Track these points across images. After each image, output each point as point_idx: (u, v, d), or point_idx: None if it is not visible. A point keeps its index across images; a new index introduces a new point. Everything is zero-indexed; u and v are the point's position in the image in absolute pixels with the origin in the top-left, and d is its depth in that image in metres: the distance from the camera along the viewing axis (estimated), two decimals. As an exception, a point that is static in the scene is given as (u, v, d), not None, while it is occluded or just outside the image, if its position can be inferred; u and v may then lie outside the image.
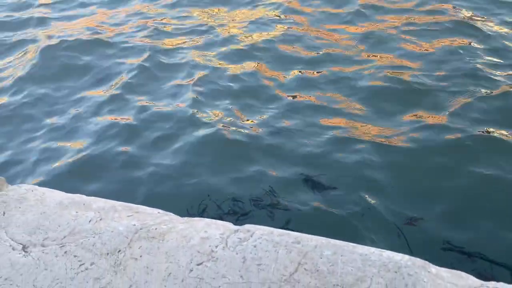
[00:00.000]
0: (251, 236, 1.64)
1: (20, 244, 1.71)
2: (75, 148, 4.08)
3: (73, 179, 3.68)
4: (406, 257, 1.50)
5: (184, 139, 4.04)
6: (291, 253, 1.54)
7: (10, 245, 1.71)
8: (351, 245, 1.56)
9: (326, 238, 1.61)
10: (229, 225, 1.73)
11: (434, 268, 1.47)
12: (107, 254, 1.62)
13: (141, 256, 1.59)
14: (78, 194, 1.97)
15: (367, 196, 3.34)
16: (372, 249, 1.54)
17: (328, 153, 3.77)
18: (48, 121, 4.50)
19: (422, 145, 3.77)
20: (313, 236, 1.63)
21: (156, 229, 1.71)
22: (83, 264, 1.59)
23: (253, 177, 3.58)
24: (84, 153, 3.96)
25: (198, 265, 1.54)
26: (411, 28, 5.55)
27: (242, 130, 4.09)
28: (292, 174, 3.58)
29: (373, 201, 3.30)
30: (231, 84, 4.81)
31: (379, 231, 3.08)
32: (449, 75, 4.60)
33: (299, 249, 1.55)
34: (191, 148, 3.91)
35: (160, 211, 1.88)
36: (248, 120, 4.27)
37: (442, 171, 3.51)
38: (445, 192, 3.33)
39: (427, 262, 1.50)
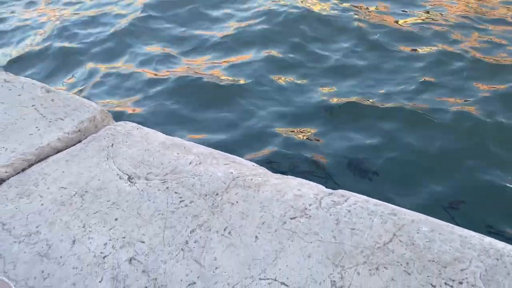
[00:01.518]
0: (345, 201, 1.65)
1: (126, 174, 1.85)
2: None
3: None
4: (509, 246, 1.44)
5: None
6: (386, 224, 1.53)
7: (117, 174, 1.85)
8: (450, 225, 1.52)
9: (423, 214, 1.58)
10: (322, 188, 1.75)
11: (539, 263, 1.40)
12: (206, 195, 1.70)
13: (237, 202, 1.66)
14: (178, 138, 2.07)
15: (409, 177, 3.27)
16: (472, 232, 1.49)
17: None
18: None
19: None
20: (409, 210, 1.61)
21: (251, 179, 1.76)
22: (183, 201, 1.69)
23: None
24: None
25: (291, 219, 1.58)
26: None
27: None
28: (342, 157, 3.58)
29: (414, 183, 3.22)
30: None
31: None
32: None
33: (395, 221, 1.54)
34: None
35: (254, 164, 1.94)
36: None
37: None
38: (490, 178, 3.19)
39: (532, 255, 1.43)
